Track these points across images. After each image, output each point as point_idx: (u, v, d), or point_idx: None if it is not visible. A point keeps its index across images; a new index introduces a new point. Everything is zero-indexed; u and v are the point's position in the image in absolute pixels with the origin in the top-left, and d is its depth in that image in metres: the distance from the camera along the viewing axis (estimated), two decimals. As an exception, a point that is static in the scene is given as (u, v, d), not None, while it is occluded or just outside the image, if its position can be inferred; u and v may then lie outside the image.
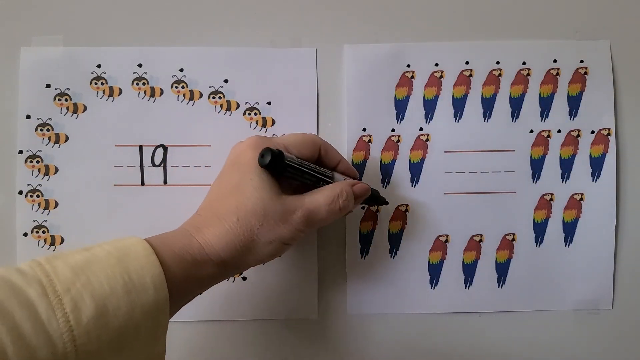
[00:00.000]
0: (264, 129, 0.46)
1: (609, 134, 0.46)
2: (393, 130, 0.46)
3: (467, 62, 0.46)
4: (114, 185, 0.45)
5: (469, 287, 0.46)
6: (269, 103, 0.46)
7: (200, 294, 0.35)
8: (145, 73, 0.46)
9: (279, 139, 0.38)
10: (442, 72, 0.46)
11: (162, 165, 0.46)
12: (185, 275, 0.33)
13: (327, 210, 0.36)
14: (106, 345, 0.29)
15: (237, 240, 0.34)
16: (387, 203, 0.45)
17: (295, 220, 0.35)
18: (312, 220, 0.36)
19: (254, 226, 0.34)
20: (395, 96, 0.46)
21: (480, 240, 0.46)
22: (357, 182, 0.40)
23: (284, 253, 0.37)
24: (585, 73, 0.46)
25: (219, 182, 0.38)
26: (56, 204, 0.45)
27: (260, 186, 0.35)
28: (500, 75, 0.46)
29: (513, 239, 0.46)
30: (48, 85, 0.45)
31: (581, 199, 0.46)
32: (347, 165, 0.42)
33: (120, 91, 0.46)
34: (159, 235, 0.35)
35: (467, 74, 0.46)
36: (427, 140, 0.46)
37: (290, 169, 0.36)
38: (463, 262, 0.46)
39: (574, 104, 0.46)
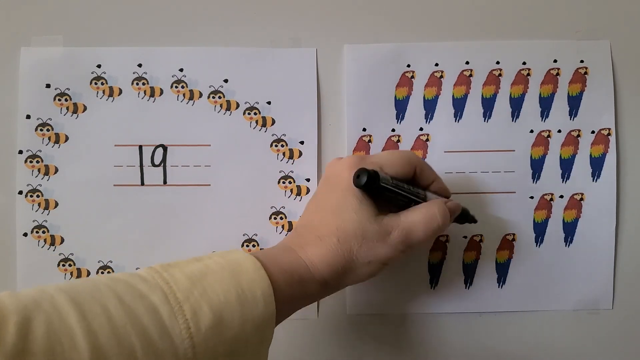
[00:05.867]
0: (263, 128, 0.46)
1: (609, 134, 0.46)
2: (393, 130, 0.46)
3: (467, 62, 0.46)
4: (114, 185, 0.45)
5: (469, 287, 0.46)
6: (269, 103, 0.46)
7: (298, 309, 0.36)
8: (145, 73, 0.46)
9: (374, 158, 0.38)
10: (442, 72, 0.46)
11: (162, 165, 0.46)
12: (291, 291, 0.34)
13: (424, 230, 0.36)
14: (220, 355, 0.29)
15: (338, 261, 0.35)
16: (476, 221, 0.44)
17: (393, 241, 0.36)
18: (409, 240, 0.36)
19: (353, 247, 0.35)
20: (395, 96, 0.46)
21: (480, 240, 0.46)
22: (448, 200, 0.40)
23: (382, 273, 0.37)
24: (585, 73, 0.46)
25: (317, 201, 0.39)
26: (56, 204, 0.45)
27: (358, 208, 0.35)
28: (500, 75, 0.46)
29: (513, 239, 0.46)
30: (48, 85, 0.45)
31: (581, 199, 0.46)
32: (440, 184, 0.41)
33: (120, 91, 0.46)
34: (263, 251, 0.35)
35: (467, 74, 0.46)
36: (427, 140, 0.46)
37: (385, 191, 0.36)
38: (463, 262, 0.46)
39: (574, 104, 0.46)
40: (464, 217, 0.42)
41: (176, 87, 0.46)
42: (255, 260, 0.32)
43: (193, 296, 0.29)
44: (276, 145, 0.46)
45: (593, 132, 0.46)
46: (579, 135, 0.46)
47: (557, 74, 0.46)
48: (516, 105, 0.46)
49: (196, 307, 0.29)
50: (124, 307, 0.27)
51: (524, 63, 0.46)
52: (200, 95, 0.46)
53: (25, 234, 0.45)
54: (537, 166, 0.46)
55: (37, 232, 0.45)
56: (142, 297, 0.28)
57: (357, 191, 0.36)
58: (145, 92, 0.46)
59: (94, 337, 0.26)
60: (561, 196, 0.46)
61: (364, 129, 0.46)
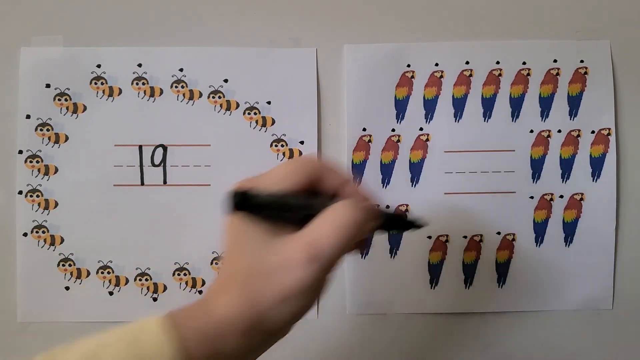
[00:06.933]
0: (263, 128, 0.46)
1: (609, 134, 0.46)
2: (393, 130, 0.46)
3: (467, 62, 0.46)
4: (114, 185, 0.45)
5: (469, 287, 0.46)
6: (269, 103, 0.46)
7: None
8: (145, 73, 0.46)
9: (256, 177, 0.32)
10: (442, 72, 0.46)
11: (162, 165, 0.46)
12: (206, 350, 0.28)
13: (332, 231, 0.28)
14: None
15: (245, 307, 0.28)
16: (421, 226, 0.33)
17: (299, 262, 0.28)
18: (319, 252, 0.28)
19: (255, 287, 0.29)
20: (395, 96, 0.46)
21: (480, 240, 0.46)
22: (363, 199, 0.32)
23: (311, 307, 0.30)
24: (585, 73, 0.46)
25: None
26: (56, 204, 0.45)
27: (245, 242, 0.30)
28: (500, 75, 0.46)
29: (513, 239, 0.46)
30: (48, 85, 0.45)
31: (581, 199, 0.46)
32: (352, 189, 0.32)
33: (120, 91, 0.46)
34: (182, 307, 0.30)
35: (467, 74, 0.46)
36: (427, 140, 0.46)
37: (262, 209, 0.30)
38: (463, 262, 0.46)
39: (574, 103, 0.46)
40: (400, 222, 0.34)
41: (176, 87, 0.46)
42: (160, 322, 0.28)
43: None
44: (276, 145, 0.46)
45: (593, 132, 0.46)
46: (579, 135, 0.46)
47: (557, 73, 0.46)
48: (516, 105, 0.46)
49: None
50: None
51: (524, 63, 0.46)
52: (200, 95, 0.46)
53: (25, 234, 0.45)
54: (537, 166, 0.46)
55: (37, 232, 0.45)
56: None
57: (240, 224, 0.30)
58: (145, 92, 0.46)
59: None
60: (561, 196, 0.46)
61: (364, 129, 0.46)
